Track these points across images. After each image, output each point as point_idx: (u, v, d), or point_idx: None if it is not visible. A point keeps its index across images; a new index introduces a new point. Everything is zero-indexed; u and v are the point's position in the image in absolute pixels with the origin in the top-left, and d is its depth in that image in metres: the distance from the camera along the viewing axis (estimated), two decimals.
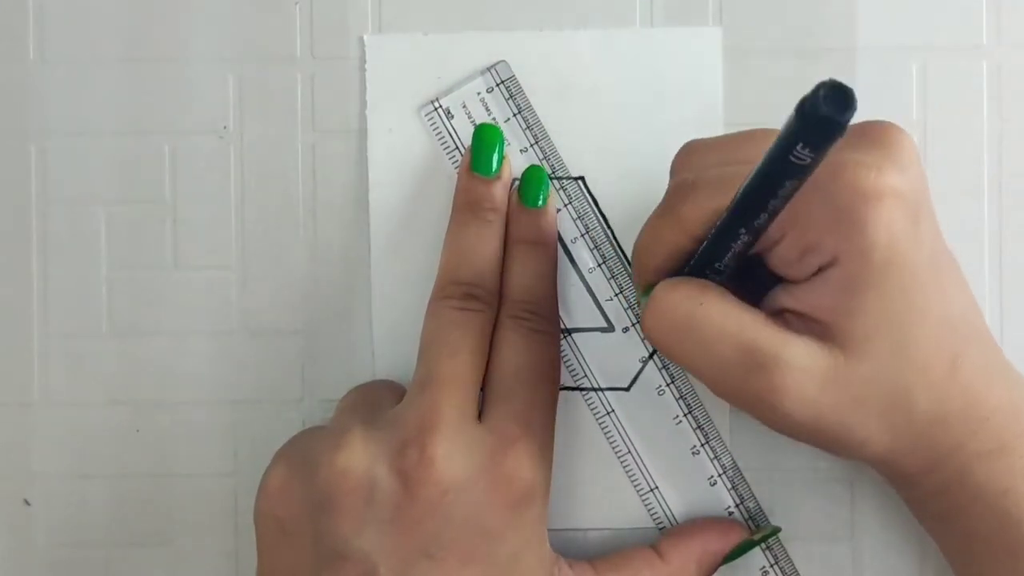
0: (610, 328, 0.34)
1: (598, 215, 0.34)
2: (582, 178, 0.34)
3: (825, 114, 0.21)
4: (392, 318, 0.34)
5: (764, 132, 0.28)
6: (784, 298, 0.28)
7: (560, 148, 0.34)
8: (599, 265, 0.34)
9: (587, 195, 0.34)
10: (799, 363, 0.27)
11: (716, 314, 0.27)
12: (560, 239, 0.34)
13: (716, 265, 0.28)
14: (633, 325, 0.34)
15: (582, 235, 0.34)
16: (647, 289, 0.29)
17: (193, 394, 0.35)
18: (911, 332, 0.27)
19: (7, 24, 0.35)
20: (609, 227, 0.34)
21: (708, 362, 0.28)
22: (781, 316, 0.28)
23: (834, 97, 0.21)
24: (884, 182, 0.26)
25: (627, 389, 0.34)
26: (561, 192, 0.34)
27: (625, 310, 0.34)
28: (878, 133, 0.27)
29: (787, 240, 0.27)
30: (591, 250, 0.34)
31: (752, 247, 0.27)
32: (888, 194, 0.26)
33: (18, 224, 0.35)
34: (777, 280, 0.28)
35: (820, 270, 0.27)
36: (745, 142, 0.28)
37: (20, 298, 0.35)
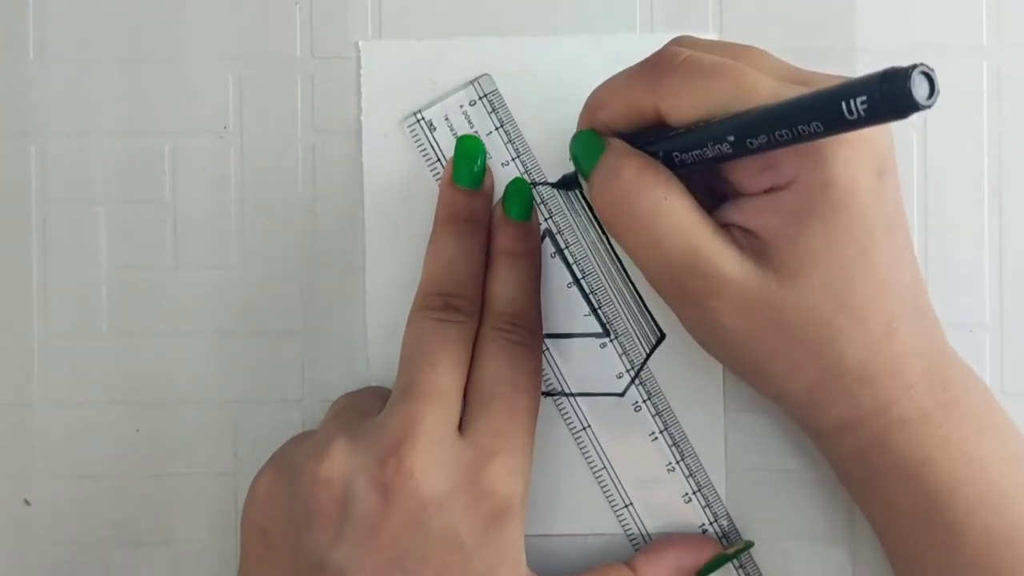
0: (605, 334, 0.34)
1: (593, 222, 0.34)
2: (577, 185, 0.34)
3: (912, 90, 0.21)
4: (387, 322, 0.34)
5: (760, 49, 0.28)
6: (734, 213, 0.28)
7: (556, 153, 0.34)
8: (579, 280, 0.34)
9: (582, 201, 0.34)
10: (735, 273, 0.27)
11: (676, 212, 0.28)
12: (555, 245, 0.34)
13: (677, 155, 0.28)
14: (612, 341, 0.34)
15: (561, 250, 0.34)
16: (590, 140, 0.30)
17: (193, 394, 0.35)
18: (852, 280, 0.27)
19: (7, 24, 0.35)
20: (603, 233, 0.34)
21: (654, 254, 0.28)
22: (728, 229, 0.28)
23: (925, 80, 0.21)
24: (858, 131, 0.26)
25: (622, 395, 0.34)
26: (542, 207, 0.34)
27: (604, 325, 0.34)
28: None
29: None
30: (570, 265, 0.34)
31: (723, 160, 0.27)
32: (859, 141, 0.26)
33: (18, 224, 0.35)
34: (723, 193, 0.29)
35: (773, 189, 0.27)
36: (741, 48, 0.29)
37: (20, 298, 0.35)
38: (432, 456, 0.28)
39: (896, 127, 0.33)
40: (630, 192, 0.28)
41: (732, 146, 0.26)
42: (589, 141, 0.30)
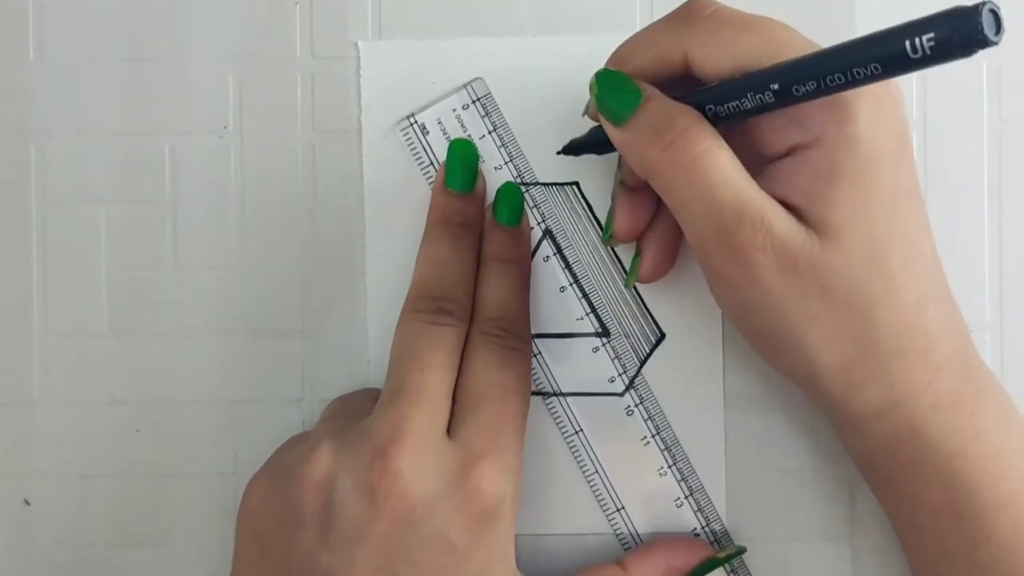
0: (599, 336, 0.34)
1: (592, 222, 0.34)
2: (576, 183, 0.34)
3: (982, 24, 0.21)
4: (387, 322, 0.34)
5: (784, 24, 0.28)
6: (764, 183, 0.28)
7: (554, 153, 0.34)
8: (577, 280, 0.34)
9: (582, 201, 0.34)
10: (783, 228, 0.27)
11: (726, 162, 0.27)
12: (553, 246, 0.34)
13: (711, 108, 0.27)
14: (605, 344, 0.34)
15: (560, 250, 0.34)
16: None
17: (193, 394, 0.35)
18: (883, 243, 0.27)
19: (7, 24, 0.35)
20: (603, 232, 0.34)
21: (705, 203, 0.27)
22: None
23: (992, 18, 0.22)
24: (884, 87, 0.26)
25: (621, 395, 0.34)
26: (535, 210, 0.34)
27: (602, 325, 0.34)
28: None
29: None
30: (569, 265, 0.34)
31: (762, 111, 0.26)
32: (882, 99, 0.26)
33: (18, 224, 0.35)
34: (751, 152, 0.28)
35: (798, 149, 0.27)
36: (769, 18, 0.28)
37: (20, 298, 0.35)
38: (420, 458, 0.28)
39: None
40: (682, 140, 0.27)
41: (776, 95, 0.25)
42: (621, 84, 0.29)
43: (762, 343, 0.30)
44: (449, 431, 0.30)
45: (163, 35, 0.35)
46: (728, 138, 0.28)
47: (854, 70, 0.24)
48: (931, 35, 0.22)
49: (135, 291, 0.35)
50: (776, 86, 0.25)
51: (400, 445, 0.28)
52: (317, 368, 0.35)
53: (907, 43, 0.22)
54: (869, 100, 0.26)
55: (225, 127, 0.35)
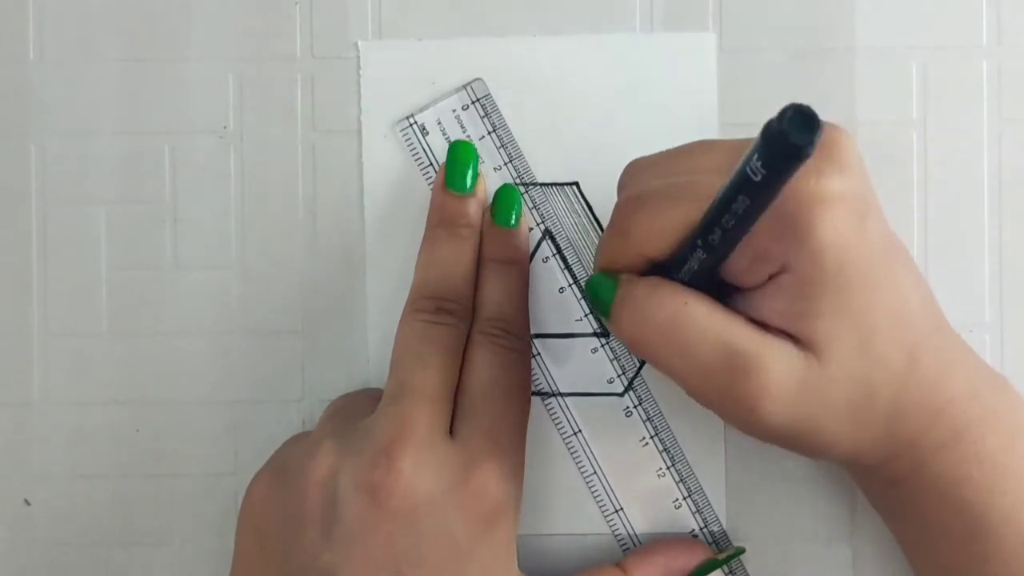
0: (599, 337, 0.34)
1: (593, 222, 0.34)
2: (576, 183, 0.34)
3: (788, 135, 0.21)
4: (387, 322, 0.34)
5: (705, 143, 0.28)
6: (741, 306, 0.28)
7: (554, 153, 0.34)
8: (570, 285, 0.34)
9: (581, 200, 0.34)
10: (779, 366, 0.26)
11: (700, 314, 0.27)
12: (553, 246, 0.34)
13: (674, 276, 0.28)
14: (604, 346, 0.34)
15: (553, 255, 0.34)
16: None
17: (193, 394, 0.35)
18: (871, 328, 0.27)
19: (7, 24, 0.35)
20: (603, 231, 0.34)
21: (689, 363, 0.27)
22: None
23: (800, 120, 0.21)
24: (825, 186, 0.25)
25: (621, 395, 0.34)
26: (535, 211, 0.34)
27: (602, 325, 0.34)
28: None
29: (736, 249, 0.26)
30: (562, 270, 0.34)
31: (711, 263, 0.27)
32: (831, 197, 0.25)
33: (18, 224, 0.35)
34: (733, 289, 0.28)
35: (771, 278, 0.27)
36: (687, 155, 0.28)
37: (20, 298, 0.35)
38: (423, 457, 0.28)
39: (895, 128, 0.33)
40: (647, 309, 0.28)
41: (705, 250, 0.26)
42: (601, 282, 0.29)
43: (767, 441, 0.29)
44: (451, 431, 0.30)
45: (163, 35, 0.35)
46: (708, 280, 0.28)
47: (734, 208, 0.24)
48: (756, 155, 0.22)
49: (135, 291, 0.35)
50: (699, 242, 0.26)
51: (403, 444, 0.28)
52: (317, 368, 0.35)
53: (747, 169, 0.23)
54: (817, 203, 0.25)
55: (225, 127, 0.35)
